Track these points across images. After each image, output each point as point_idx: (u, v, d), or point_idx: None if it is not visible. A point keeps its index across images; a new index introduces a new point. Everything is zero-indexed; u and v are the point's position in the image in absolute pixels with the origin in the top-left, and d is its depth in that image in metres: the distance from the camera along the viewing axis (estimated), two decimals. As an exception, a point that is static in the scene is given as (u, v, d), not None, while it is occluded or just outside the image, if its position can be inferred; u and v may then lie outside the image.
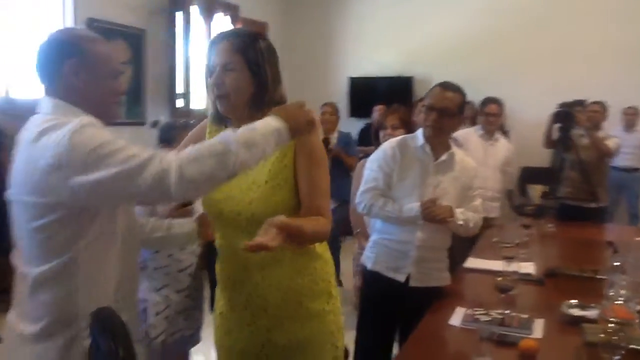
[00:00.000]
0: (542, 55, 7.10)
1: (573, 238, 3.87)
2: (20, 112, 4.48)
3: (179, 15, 6.03)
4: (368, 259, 2.62)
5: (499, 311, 2.20)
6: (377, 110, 6.62)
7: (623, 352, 1.65)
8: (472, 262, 3.01)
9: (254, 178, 1.60)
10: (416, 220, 2.41)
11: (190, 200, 1.79)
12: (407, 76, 7.66)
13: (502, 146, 4.30)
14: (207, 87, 1.65)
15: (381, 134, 3.14)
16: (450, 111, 2.43)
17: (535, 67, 7.11)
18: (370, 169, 2.57)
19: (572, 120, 4.34)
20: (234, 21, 7.01)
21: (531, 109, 6.73)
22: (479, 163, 4.09)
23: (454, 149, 2.58)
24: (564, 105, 4.48)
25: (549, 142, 4.94)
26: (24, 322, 1.44)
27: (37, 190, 1.36)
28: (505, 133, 6.88)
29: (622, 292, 2.04)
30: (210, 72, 1.63)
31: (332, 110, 4.84)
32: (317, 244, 1.63)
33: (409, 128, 2.99)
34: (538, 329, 2.09)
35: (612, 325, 1.93)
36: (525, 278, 2.73)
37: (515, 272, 2.57)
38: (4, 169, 3.46)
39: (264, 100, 1.61)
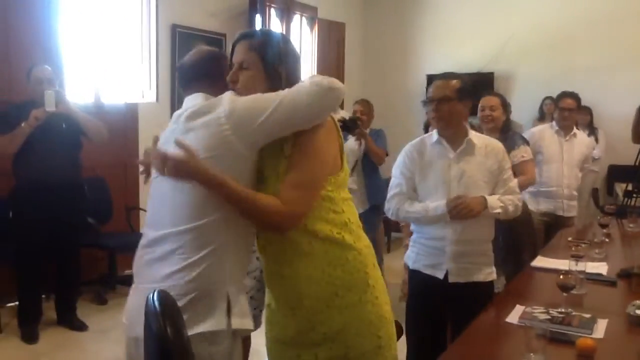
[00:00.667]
0: (631, 49, 6.71)
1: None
2: (108, 115, 4.87)
3: (258, 18, 6.23)
4: (409, 258, 2.64)
5: (560, 310, 2.15)
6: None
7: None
8: (539, 261, 2.93)
9: (263, 171, 1.64)
10: (444, 218, 2.39)
11: None
12: (488, 72, 7.48)
13: (580, 142, 4.12)
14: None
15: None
16: (446, 97, 2.43)
17: (623, 61, 6.74)
18: (394, 175, 2.59)
19: (658, 115, 4.09)
20: (311, 22, 7.15)
21: (619, 106, 6.39)
22: (554, 160, 4.00)
23: (472, 134, 2.52)
24: (649, 98, 4.23)
25: (638, 137, 4.68)
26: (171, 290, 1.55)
27: (210, 148, 1.56)
28: (593, 131, 6.62)
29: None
30: (230, 69, 1.71)
31: (362, 108, 4.76)
32: (346, 235, 1.64)
33: (506, 112, 3.20)
34: (600, 329, 2.02)
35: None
36: (596, 278, 2.65)
37: (582, 272, 2.50)
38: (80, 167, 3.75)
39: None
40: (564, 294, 2.22)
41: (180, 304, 1.48)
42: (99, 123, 3.88)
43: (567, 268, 2.48)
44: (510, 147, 3.46)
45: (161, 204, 1.68)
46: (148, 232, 1.70)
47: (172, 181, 1.58)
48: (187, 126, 1.64)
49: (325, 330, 1.64)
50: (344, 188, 1.73)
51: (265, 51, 1.66)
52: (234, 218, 1.59)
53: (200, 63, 1.81)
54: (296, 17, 6.93)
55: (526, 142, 3.62)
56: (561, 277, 2.24)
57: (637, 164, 4.49)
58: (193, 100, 1.72)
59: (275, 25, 6.62)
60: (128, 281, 4.93)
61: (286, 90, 1.61)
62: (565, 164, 4.04)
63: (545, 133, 4.19)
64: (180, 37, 5.42)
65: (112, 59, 4.94)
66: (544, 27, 7.10)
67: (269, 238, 1.69)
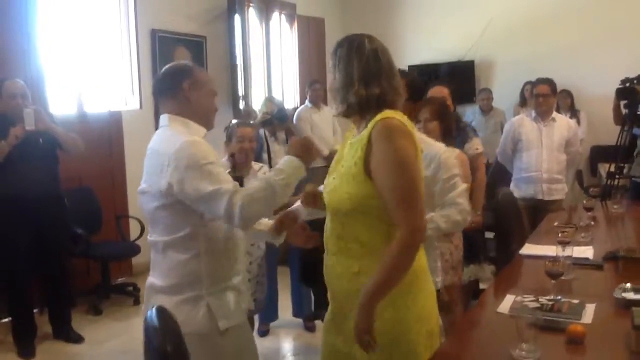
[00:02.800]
0: (609, 31, 6.79)
1: (642, 219, 3.73)
2: (92, 124, 4.84)
3: (237, 19, 6.23)
4: None
5: (550, 297, 2.19)
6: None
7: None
8: (527, 249, 2.98)
9: (336, 171, 1.81)
10: None
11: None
12: (468, 60, 7.54)
13: (560, 126, 4.17)
14: None
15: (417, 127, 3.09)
16: None
17: (601, 42, 6.81)
18: None
19: (635, 96, 4.16)
20: (291, 19, 7.15)
21: (599, 87, 6.44)
22: (534, 146, 4.06)
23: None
24: (626, 80, 4.30)
25: (618, 119, 4.75)
26: (157, 278, 1.93)
27: (159, 185, 1.82)
28: (575, 113, 6.69)
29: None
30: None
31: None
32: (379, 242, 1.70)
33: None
34: (589, 314, 2.06)
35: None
36: (582, 262, 2.69)
37: (569, 257, 2.55)
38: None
39: (336, 99, 1.79)
40: (552, 281, 2.27)
41: (170, 305, 1.69)
42: (75, 136, 3.88)
43: (554, 254, 2.54)
44: (464, 139, 3.53)
45: (149, 216, 1.96)
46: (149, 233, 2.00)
47: (153, 199, 1.86)
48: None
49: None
50: None
51: (332, 56, 1.82)
52: (203, 232, 1.87)
53: (159, 80, 2.00)
54: (275, 15, 6.93)
55: (476, 133, 3.71)
56: (548, 264, 2.29)
57: (618, 144, 4.55)
58: (162, 121, 1.96)
59: (255, 25, 6.61)
60: (122, 289, 4.97)
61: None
62: (545, 148, 4.10)
63: (524, 121, 4.26)
64: (161, 42, 5.40)
65: (93, 67, 4.92)
66: (521, 12, 7.17)
67: None
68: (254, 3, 6.49)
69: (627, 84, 4.32)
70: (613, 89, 4.91)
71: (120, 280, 5.02)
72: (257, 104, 6.52)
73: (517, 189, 4.23)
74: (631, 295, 2.15)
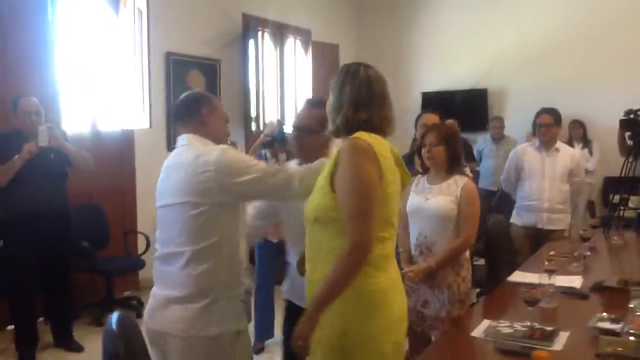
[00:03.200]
0: (622, 61, 6.79)
1: (640, 250, 3.71)
2: (105, 142, 5.02)
3: (251, 43, 6.39)
4: None
5: (524, 324, 2.21)
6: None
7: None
8: (516, 276, 2.99)
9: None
10: None
11: None
12: (481, 88, 7.58)
13: (564, 156, 4.17)
14: None
15: (422, 151, 3.10)
16: (306, 127, 2.27)
17: (614, 73, 6.80)
18: None
19: (639, 127, 4.15)
20: (305, 45, 7.30)
21: (613, 117, 6.26)
22: (535, 175, 4.08)
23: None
24: (629, 112, 4.30)
25: (623, 150, 4.74)
26: (170, 289, 1.99)
27: (197, 193, 1.94)
28: (587, 143, 6.66)
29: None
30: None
31: None
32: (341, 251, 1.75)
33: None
34: (561, 341, 2.07)
35: (632, 338, 1.92)
36: (568, 291, 2.70)
37: (551, 285, 2.56)
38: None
39: (333, 123, 1.89)
40: (529, 308, 2.28)
41: (190, 312, 1.92)
42: (86, 154, 4.02)
43: (542, 282, 2.56)
44: None
45: (168, 228, 2.05)
46: (160, 248, 2.08)
47: (177, 210, 1.98)
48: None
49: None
50: None
51: (332, 82, 1.96)
52: (227, 240, 1.99)
53: (182, 103, 2.20)
54: (290, 40, 7.08)
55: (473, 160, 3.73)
56: (525, 291, 2.31)
57: (622, 175, 4.53)
58: (181, 141, 2.11)
59: (270, 50, 6.77)
60: (126, 303, 5.08)
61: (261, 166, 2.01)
62: (547, 178, 4.10)
63: (527, 149, 4.28)
64: (175, 64, 5.57)
65: (107, 87, 5.09)
66: (534, 41, 7.20)
67: None
68: (268, 28, 6.66)
69: (631, 115, 4.31)
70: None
71: (125, 294, 5.12)
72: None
73: (519, 217, 4.24)
74: (605, 325, 2.15)
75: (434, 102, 7.75)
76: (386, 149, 1.85)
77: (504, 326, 2.22)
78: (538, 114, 4.31)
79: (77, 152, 3.95)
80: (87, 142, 4.57)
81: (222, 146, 2.05)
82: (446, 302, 2.73)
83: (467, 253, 2.89)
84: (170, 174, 2.06)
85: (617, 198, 4.73)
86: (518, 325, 2.20)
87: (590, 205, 6.49)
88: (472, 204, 2.79)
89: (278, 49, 6.91)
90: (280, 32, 6.87)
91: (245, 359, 2.09)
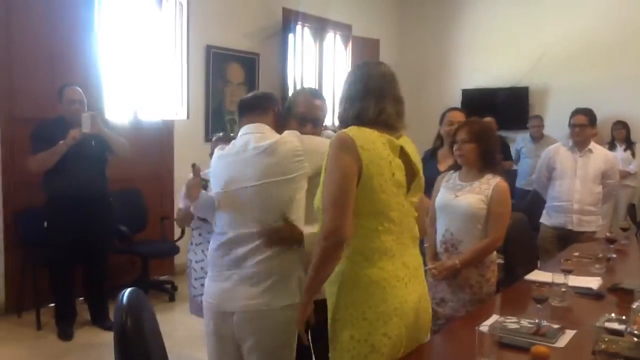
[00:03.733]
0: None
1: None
2: (146, 132, 5.23)
3: (291, 38, 6.49)
4: None
5: (531, 320, 2.23)
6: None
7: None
8: (534, 275, 2.99)
9: None
10: None
11: None
12: (522, 87, 7.48)
13: (597, 158, 4.10)
14: None
15: (454, 148, 2.98)
16: (319, 120, 2.40)
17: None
18: None
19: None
20: (345, 40, 7.35)
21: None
22: (567, 175, 4.04)
23: None
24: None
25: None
26: (241, 269, 2.16)
27: (287, 171, 2.14)
28: (630, 145, 6.50)
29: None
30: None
31: None
32: None
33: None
34: (565, 339, 2.09)
35: (635, 339, 1.92)
36: (584, 292, 2.70)
37: (564, 285, 2.57)
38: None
39: (338, 117, 2.01)
40: (538, 306, 2.30)
41: (263, 286, 2.11)
42: (124, 141, 4.23)
43: (559, 282, 2.57)
44: None
45: (244, 209, 2.18)
46: (229, 231, 2.19)
47: (255, 192, 2.15)
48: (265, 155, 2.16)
49: None
50: None
51: None
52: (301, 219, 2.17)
53: (255, 99, 2.33)
54: (329, 35, 7.15)
55: None
56: (535, 289, 2.33)
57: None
58: (254, 129, 2.22)
59: (309, 45, 6.86)
60: (160, 286, 5.27)
61: None
62: (578, 179, 4.05)
63: (560, 149, 4.23)
64: (215, 57, 5.73)
65: (148, 78, 5.29)
66: (577, 40, 7.06)
67: None
68: (309, 23, 6.74)
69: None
70: None
71: (159, 277, 5.33)
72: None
73: (549, 217, 4.21)
74: (612, 325, 2.15)
75: (474, 99, 7.72)
76: (376, 142, 1.86)
77: (511, 322, 2.25)
78: (573, 114, 4.25)
79: (116, 139, 4.15)
80: (128, 131, 4.78)
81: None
82: (467, 302, 2.70)
83: (494, 255, 2.82)
84: (248, 157, 2.17)
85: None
86: (525, 322, 2.23)
87: (631, 208, 6.33)
88: (503, 204, 2.73)
89: (318, 44, 6.99)
90: (320, 26, 6.95)
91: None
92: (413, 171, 1.98)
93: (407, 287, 1.91)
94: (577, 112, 4.19)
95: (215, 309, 2.22)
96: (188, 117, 5.41)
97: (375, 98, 1.92)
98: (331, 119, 7.23)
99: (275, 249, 2.14)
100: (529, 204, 5.11)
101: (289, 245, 2.18)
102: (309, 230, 2.20)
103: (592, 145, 4.19)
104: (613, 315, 2.23)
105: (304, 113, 2.34)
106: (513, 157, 6.71)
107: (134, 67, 5.19)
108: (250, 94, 2.40)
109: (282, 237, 2.16)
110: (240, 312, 2.15)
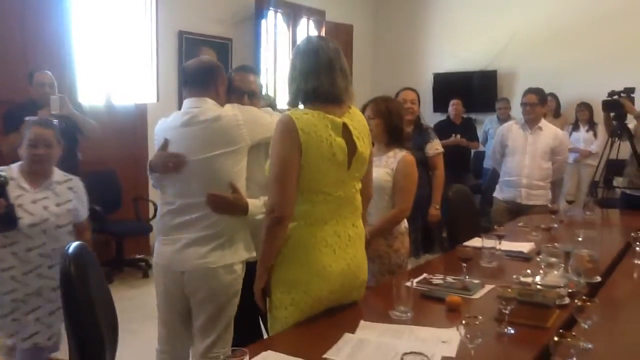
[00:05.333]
0: (632, 44, 6.78)
1: (609, 225, 3.87)
2: (119, 114, 5.37)
3: (264, 23, 6.64)
4: None
5: (458, 278, 2.45)
6: (453, 105, 6.80)
7: (514, 305, 1.88)
8: (472, 241, 3.19)
9: None
10: None
11: None
12: (491, 70, 7.69)
13: (546, 135, 4.31)
14: None
15: None
16: (254, 92, 2.65)
17: (624, 58, 6.79)
18: None
19: (621, 109, 4.27)
20: (319, 25, 7.51)
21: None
22: (517, 152, 4.27)
23: None
24: (612, 93, 4.41)
25: (609, 132, 4.85)
26: (189, 233, 2.37)
27: (231, 142, 2.34)
28: (593, 126, 6.74)
29: (552, 259, 2.24)
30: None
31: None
32: None
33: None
34: (482, 292, 2.32)
35: (539, 286, 2.15)
36: (516, 255, 2.93)
37: (493, 248, 2.80)
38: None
39: (289, 94, 2.11)
40: (464, 265, 2.52)
41: (209, 247, 2.33)
42: (94, 123, 4.40)
43: (490, 246, 2.80)
44: (425, 140, 3.85)
45: (191, 180, 2.36)
46: (177, 201, 2.39)
47: (201, 164, 2.33)
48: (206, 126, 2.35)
49: None
50: None
51: None
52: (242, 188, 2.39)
53: (200, 71, 2.44)
54: (303, 21, 7.31)
55: (436, 135, 3.98)
56: (459, 249, 2.56)
57: (602, 156, 4.66)
58: (197, 103, 2.37)
59: (282, 30, 7.02)
60: (134, 264, 5.45)
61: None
62: (527, 155, 4.27)
63: (512, 127, 4.45)
64: (187, 43, 5.89)
65: (121, 63, 5.45)
66: (544, 25, 7.26)
67: None
68: (282, 8, 6.90)
69: (615, 97, 4.43)
70: (637, 104, 4.87)
71: (135, 256, 5.52)
72: (282, 105, 6.93)
73: (501, 191, 4.44)
74: (527, 279, 2.38)
75: (445, 83, 7.93)
76: (318, 124, 1.97)
77: (437, 279, 2.47)
78: (524, 94, 4.46)
79: (85, 121, 4.33)
80: (102, 114, 4.95)
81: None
82: (377, 273, 2.81)
83: (403, 227, 2.96)
84: (195, 131, 2.35)
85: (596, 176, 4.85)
86: (450, 279, 2.45)
87: (593, 185, 6.57)
88: (408, 177, 2.87)
89: (291, 29, 7.15)
90: (293, 12, 7.10)
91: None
92: (354, 148, 2.06)
93: (335, 253, 2.04)
94: (528, 91, 4.39)
95: (166, 270, 2.44)
96: (158, 99, 5.58)
97: (327, 73, 2.01)
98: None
99: (222, 215, 2.35)
100: (489, 180, 5.34)
101: (235, 214, 2.38)
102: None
103: (543, 123, 4.40)
104: (529, 271, 2.46)
105: (240, 87, 2.57)
106: (480, 139, 6.93)
107: (107, 52, 5.34)
108: (194, 63, 2.48)
109: (229, 204, 2.37)
110: (190, 271, 2.37)
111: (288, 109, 2.08)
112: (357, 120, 2.11)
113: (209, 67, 2.46)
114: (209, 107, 2.38)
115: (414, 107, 3.89)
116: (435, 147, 3.85)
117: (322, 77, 2.02)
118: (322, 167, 1.99)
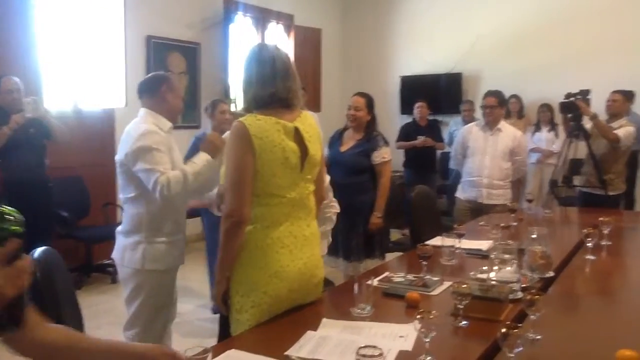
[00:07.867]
0: (593, 48, 7.02)
1: (567, 222, 4.01)
2: (86, 119, 5.37)
3: (233, 27, 6.69)
4: None
5: (419, 275, 2.54)
6: (417, 107, 6.94)
7: (469, 300, 1.98)
8: (433, 240, 3.30)
9: None
10: None
11: None
12: (456, 73, 7.86)
13: (505, 136, 4.46)
14: None
15: None
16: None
17: (585, 61, 7.04)
18: None
19: (577, 110, 4.44)
20: (288, 30, 7.59)
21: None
22: (477, 152, 4.40)
23: None
24: (569, 95, 4.58)
25: (568, 132, 5.03)
26: (122, 225, 2.72)
27: (121, 154, 2.63)
28: (554, 127, 6.95)
29: (506, 256, 2.36)
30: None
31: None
32: None
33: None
34: (440, 289, 2.42)
35: (493, 282, 2.26)
36: (474, 252, 3.04)
37: (452, 247, 2.90)
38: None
39: (245, 99, 2.16)
40: (423, 262, 2.62)
41: (123, 245, 2.66)
42: (64, 128, 4.38)
43: (451, 245, 2.90)
44: (373, 147, 3.86)
45: (120, 180, 2.71)
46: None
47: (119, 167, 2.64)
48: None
49: None
50: None
51: None
52: (145, 195, 2.57)
53: (144, 82, 2.75)
54: (271, 25, 7.37)
55: (387, 143, 3.98)
56: (419, 247, 2.65)
57: (560, 155, 4.83)
58: (139, 114, 2.71)
59: (251, 34, 7.07)
60: (103, 269, 5.45)
61: None
62: (488, 155, 4.41)
63: (473, 129, 4.58)
64: (155, 47, 5.90)
65: (89, 68, 5.44)
66: (509, 27, 7.47)
67: None
68: (250, 13, 6.95)
69: (571, 99, 4.60)
70: (594, 104, 5.04)
71: (104, 261, 5.50)
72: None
73: (463, 191, 4.57)
74: (483, 275, 2.48)
75: (412, 85, 8.08)
76: (270, 130, 2.03)
77: (398, 277, 2.56)
78: (484, 96, 4.60)
79: (56, 125, 4.33)
80: (69, 119, 4.93)
81: (153, 128, 2.61)
82: None
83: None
84: (122, 138, 2.67)
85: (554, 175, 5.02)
86: (410, 276, 2.55)
87: (554, 184, 6.77)
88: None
89: (260, 34, 7.21)
90: (262, 16, 7.16)
91: (158, 295, 2.72)
92: (306, 151, 2.13)
93: (292, 253, 2.10)
94: (488, 94, 4.53)
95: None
96: (126, 104, 5.58)
97: (283, 79, 2.10)
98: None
99: (131, 213, 2.68)
100: (452, 181, 5.48)
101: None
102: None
103: (502, 124, 4.55)
104: (485, 267, 2.56)
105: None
106: (446, 140, 7.08)
107: (75, 57, 5.32)
108: (144, 78, 2.80)
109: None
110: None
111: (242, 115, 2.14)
112: (309, 124, 2.18)
113: (155, 76, 2.82)
114: (140, 119, 2.73)
115: (357, 113, 3.87)
116: (382, 155, 3.85)
117: (278, 83, 2.09)
118: (276, 170, 2.05)
